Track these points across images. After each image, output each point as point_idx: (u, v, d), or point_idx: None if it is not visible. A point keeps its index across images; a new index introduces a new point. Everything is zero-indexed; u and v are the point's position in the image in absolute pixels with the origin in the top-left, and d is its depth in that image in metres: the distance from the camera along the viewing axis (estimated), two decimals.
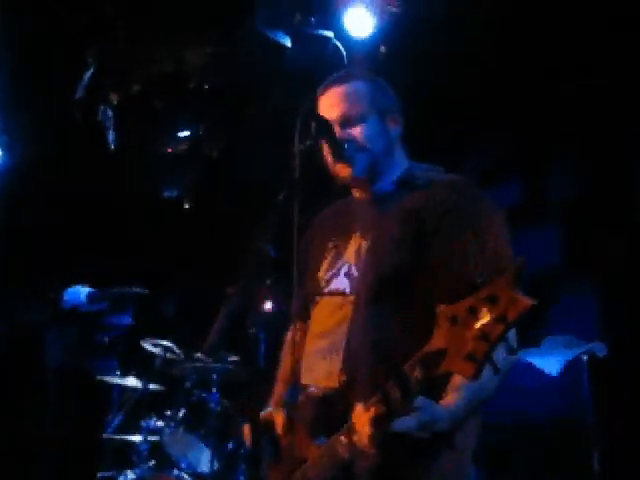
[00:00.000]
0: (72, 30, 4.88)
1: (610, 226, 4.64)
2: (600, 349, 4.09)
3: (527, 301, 1.39)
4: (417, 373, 1.58)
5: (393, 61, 4.63)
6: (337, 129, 2.11)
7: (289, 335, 2.37)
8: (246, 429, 2.22)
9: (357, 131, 2.10)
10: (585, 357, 4.06)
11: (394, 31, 4.62)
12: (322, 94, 2.18)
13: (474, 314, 1.45)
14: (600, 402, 3.95)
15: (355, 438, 1.72)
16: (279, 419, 2.15)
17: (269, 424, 2.12)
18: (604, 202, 4.72)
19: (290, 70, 4.82)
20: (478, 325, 1.44)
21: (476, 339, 1.43)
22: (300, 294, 2.10)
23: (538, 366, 4.07)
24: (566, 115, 4.77)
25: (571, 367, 4.04)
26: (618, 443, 3.92)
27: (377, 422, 1.66)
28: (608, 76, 4.49)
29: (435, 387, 1.75)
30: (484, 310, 1.43)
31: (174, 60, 5.10)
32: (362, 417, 1.69)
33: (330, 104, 2.14)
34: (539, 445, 3.97)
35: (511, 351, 1.58)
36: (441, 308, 1.53)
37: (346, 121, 2.11)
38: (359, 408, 1.70)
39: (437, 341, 1.53)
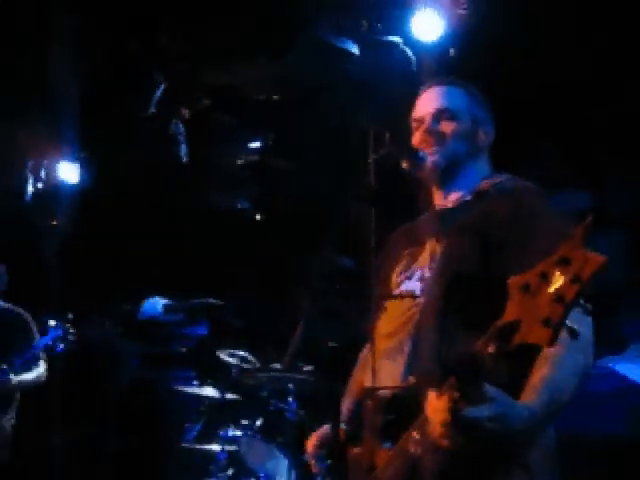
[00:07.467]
0: (132, 57, 5.04)
1: None
2: None
3: (599, 258, 1.33)
4: (491, 349, 1.52)
5: (463, 64, 4.56)
6: (428, 121, 2.16)
7: (363, 353, 2.36)
8: (309, 442, 2.22)
9: (448, 126, 2.15)
10: None
11: (464, 33, 4.54)
12: (424, 92, 2.26)
13: (546, 279, 1.39)
14: None
15: (429, 429, 1.67)
16: (341, 436, 2.14)
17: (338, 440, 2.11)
18: None
19: (357, 78, 4.80)
20: (552, 289, 1.38)
21: (551, 302, 1.37)
22: (377, 310, 2.09)
23: (622, 372, 3.94)
24: (630, 127, 4.66)
25: None
26: None
27: (451, 407, 1.61)
28: None
29: (511, 383, 1.71)
30: (557, 273, 1.37)
31: (229, 74, 5.14)
32: (435, 404, 1.65)
33: (429, 98, 2.22)
34: (612, 456, 3.80)
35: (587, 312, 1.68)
36: (512, 279, 1.48)
37: (441, 114, 2.17)
38: (432, 395, 1.66)
39: (510, 313, 1.48)
